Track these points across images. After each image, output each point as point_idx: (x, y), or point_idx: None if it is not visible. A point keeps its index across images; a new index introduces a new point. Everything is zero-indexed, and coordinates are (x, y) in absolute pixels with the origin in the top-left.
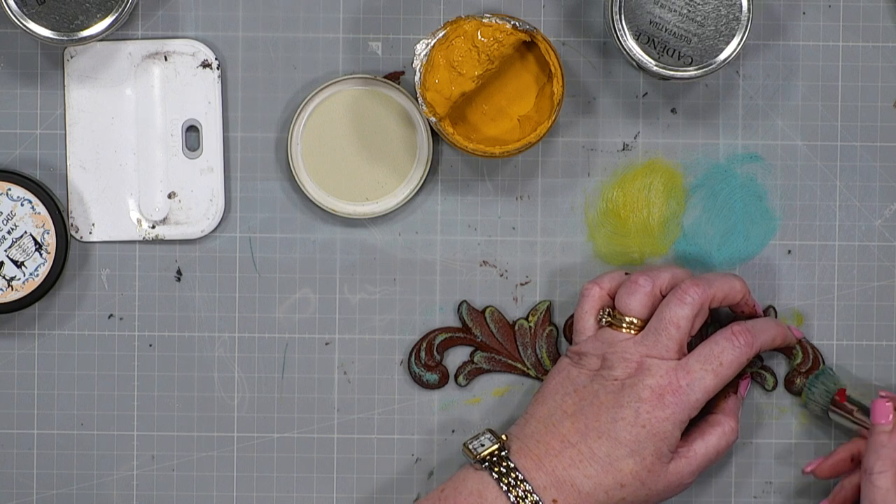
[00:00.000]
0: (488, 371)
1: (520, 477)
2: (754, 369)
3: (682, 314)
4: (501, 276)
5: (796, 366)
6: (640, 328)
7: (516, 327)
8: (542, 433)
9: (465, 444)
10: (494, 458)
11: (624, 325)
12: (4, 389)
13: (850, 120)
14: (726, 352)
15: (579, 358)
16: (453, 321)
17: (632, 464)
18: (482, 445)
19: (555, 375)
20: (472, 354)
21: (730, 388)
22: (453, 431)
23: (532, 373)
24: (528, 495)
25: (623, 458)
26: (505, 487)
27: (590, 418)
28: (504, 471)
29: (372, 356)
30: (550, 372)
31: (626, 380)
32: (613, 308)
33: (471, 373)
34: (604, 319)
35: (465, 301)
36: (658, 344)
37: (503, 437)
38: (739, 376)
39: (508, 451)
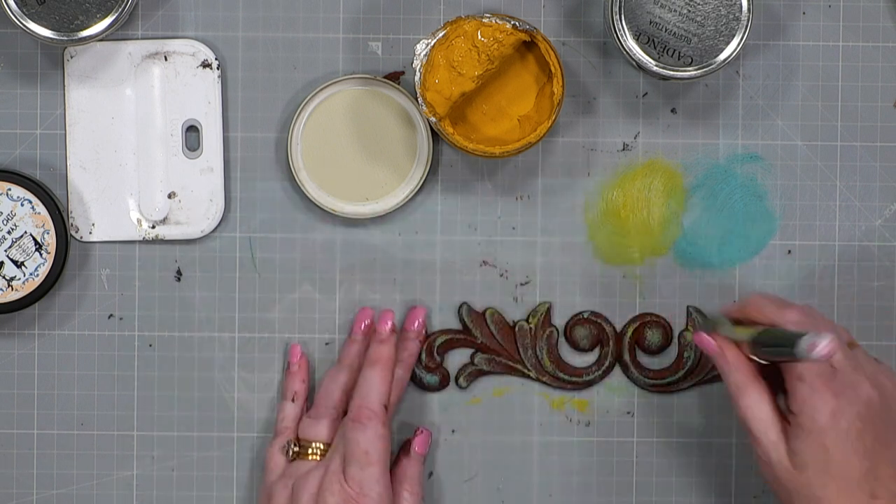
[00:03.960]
0: (489, 373)
1: None
2: None
3: None
4: (501, 276)
5: None
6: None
7: (517, 329)
8: None
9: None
10: None
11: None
12: (4, 389)
13: (850, 120)
14: None
15: None
16: (453, 322)
17: None
18: None
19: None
20: (472, 356)
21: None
22: (453, 432)
23: (532, 374)
24: None
25: None
26: None
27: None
28: None
29: None
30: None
31: None
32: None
33: (471, 374)
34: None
35: (465, 303)
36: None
37: None
38: None
39: None
